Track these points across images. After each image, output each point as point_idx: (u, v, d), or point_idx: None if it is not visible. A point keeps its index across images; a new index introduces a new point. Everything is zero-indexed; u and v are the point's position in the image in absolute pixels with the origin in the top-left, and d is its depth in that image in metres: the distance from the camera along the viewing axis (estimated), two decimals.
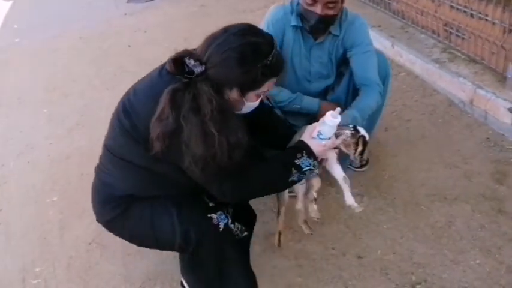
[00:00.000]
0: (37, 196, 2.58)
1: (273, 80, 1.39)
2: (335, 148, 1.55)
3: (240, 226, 1.61)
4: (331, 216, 2.06)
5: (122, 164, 1.50)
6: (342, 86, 2.07)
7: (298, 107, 2.06)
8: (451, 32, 2.67)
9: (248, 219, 1.78)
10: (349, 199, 1.60)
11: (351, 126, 1.55)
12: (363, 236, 1.95)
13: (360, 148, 1.53)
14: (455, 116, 2.48)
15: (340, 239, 1.96)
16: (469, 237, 1.84)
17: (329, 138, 1.46)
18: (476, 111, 2.41)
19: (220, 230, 1.49)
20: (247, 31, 1.33)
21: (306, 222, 1.75)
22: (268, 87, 1.39)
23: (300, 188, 1.63)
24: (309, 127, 1.51)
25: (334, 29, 1.96)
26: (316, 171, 1.55)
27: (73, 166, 2.70)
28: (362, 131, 1.54)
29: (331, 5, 1.82)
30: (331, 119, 1.42)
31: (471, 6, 2.45)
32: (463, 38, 2.58)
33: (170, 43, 3.96)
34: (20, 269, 2.14)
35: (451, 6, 2.59)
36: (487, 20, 2.38)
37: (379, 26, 3.14)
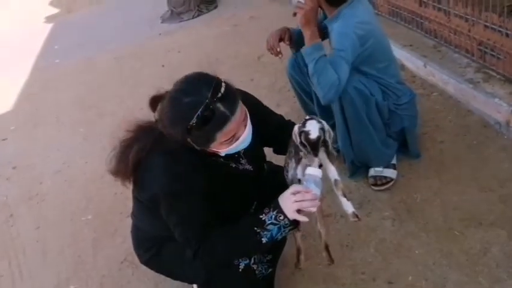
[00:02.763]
0: (73, 214, 2.66)
1: (221, 133, 1.34)
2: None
3: (263, 266, 1.65)
4: (361, 239, 2.03)
5: (141, 206, 1.60)
6: None
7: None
8: (485, 52, 2.62)
9: (274, 253, 1.79)
10: (345, 204, 1.46)
11: (305, 118, 1.42)
12: (393, 261, 1.91)
13: (307, 146, 1.37)
14: (491, 137, 2.41)
15: (370, 263, 1.93)
16: (505, 265, 1.78)
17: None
18: None
19: (240, 270, 1.54)
20: (182, 92, 1.36)
21: (327, 248, 1.62)
22: (225, 137, 1.36)
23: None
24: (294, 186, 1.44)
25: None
26: (287, 228, 1.42)
27: (107, 185, 2.76)
28: (308, 126, 1.37)
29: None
30: (313, 173, 1.38)
31: (506, 25, 2.40)
32: (498, 58, 2.53)
33: (203, 63, 4.02)
34: (55, 286, 2.22)
35: (485, 26, 2.54)
36: None
37: (411, 45, 3.11)
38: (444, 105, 2.71)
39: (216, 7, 5.68)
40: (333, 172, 1.47)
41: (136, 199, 1.62)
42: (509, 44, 2.41)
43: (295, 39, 2.33)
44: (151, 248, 1.66)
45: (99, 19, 6.53)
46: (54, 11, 7.60)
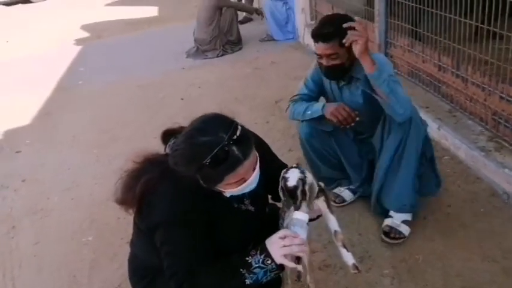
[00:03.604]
0: (74, 233, 2.67)
1: (231, 175, 1.36)
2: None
3: None
4: None
5: (141, 234, 1.59)
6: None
7: (309, 113, 2.33)
8: (499, 122, 2.65)
9: None
10: (345, 256, 1.45)
11: (289, 166, 1.46)
12: None
13: (286, 193, 1.39)
14: (498, 207, 2.40)
15: None
16: None
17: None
18: None
19: None
20: (199, 131, 1.38)
21: None
22: (233, 179, 1.38)
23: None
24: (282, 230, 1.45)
25: (355, 73, 2.19)
26: (273, 272, 1.40)
27: (112, 209, 2.72)
28: (288, 174, 1.41)
29: (333, 57, 2.12)
30: (299, 218, 1.39)
31: None
32: None
33: (221, 101, 4.12)
34: None
35: (501, 97, 2.59)
36: None
37: (427, 107, 3.16)
38: (454, 169, 2.73)
39: (240, 49, 5.86)
40: (332, 222, 1.48)
41: (137, 226, 1.63)
42: None
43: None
44: (145, 277, 1.65)
45: (127, 47, 6.75)
46: (85, 34, 7.89)
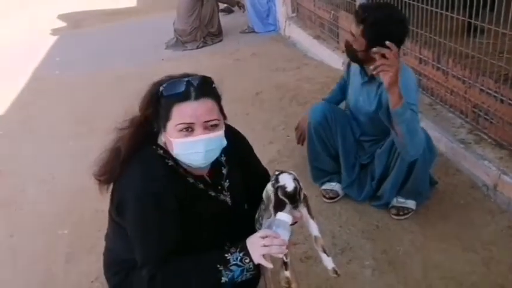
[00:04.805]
0: (49, 226, 2.59)
1: (178, 108, 1.38)
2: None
3: None
4: (339, 286, 1.98)
5: (115, 226, 1.57)
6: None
7: None
8: (479, 115, 2.67)
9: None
10: (325, 260, 1.45)
11: (275, 173, 1.43)
12: None
13: (284, 199, 1.37)
14: (477, 199, 2.43)
15: None
16: None
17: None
18: (499, 197, 2.36)
19: None
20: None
21: None
22: (179, 118, 1.38)
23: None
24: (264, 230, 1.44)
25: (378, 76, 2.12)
26: (250, 272, 1.39)
27: (89, 201, 2.71)
28: (282, 180, 1.39)
29: (353, 38, 2.14)
30: (282, 219, 1.37)
31: (501, 92, 2.46)
32: (491, 122, 2.58)
33: None
34: None
35: (481, 90, 2.60)
36: None
37: None
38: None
39: (221, 40, 5.81)
40: (313, 228, 1.46)
41: (110, 217, 1.59)
42: (503, 110, 2.47)
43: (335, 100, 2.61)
44: (119, 272, 1.60)
45: (105, 38, 6.62)
46: (62, 24, 7.71)
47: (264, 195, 1.45)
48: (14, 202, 2.87)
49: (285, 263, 1.39)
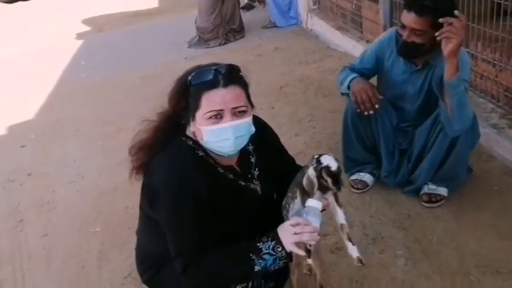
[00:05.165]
0: (81, 225, 2.64)
1: (206, 95, 1.39)
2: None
3: None
4: (372, 276, 1.96)
5: (147, 221, 1.58)
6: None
7: (342, 86, 2.31)
8: None
9: (277, 280, 1.71)
10: (350, 249, 1.43)
11: (315, 157, 1.41)
12: None
13: (328, 180, 1.36)
14: None
15: None
16: None
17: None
18: None
19: None
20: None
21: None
22: (208, 105, 1.39)
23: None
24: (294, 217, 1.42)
25: (432, 59, 2.07)
26: (282, 260, 1.39)
27: (119, 199, 2.75)
28: (325, 161, 1.37)
29: (418, 33, 1.98)
30: (313, 206, 1.36)
31: None
32: None
33: None
34: None
35: None
36: None
37: None
38: None
39: (243, 37, 5.79)
40: (340, 215, 1.45)
41: (142, 212, 1.61)
42: None
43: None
44: (152, 267, 1.62)
45: (128, 40, 6.69)
46: (86, 28, 7.83)
47: (304, 181, 1.41)
48: (46, 203, 2.92)
49: (308, 251, 1.38)
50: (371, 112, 2.19)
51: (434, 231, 2.14)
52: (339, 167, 1.36)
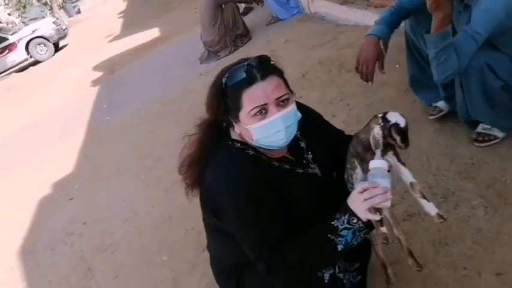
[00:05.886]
0: (147, 258, 2.64)
1: (246, 93, 1.36)
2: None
3: (351, 275, 1.54)
4: (454, 233, 1.86)
5: (215, 233, 1.55)
6: None
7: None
8: None
9: (362, 259, 1.66)
10: (426, 206, 1.35)
11: (379, 116, 1.32)
12: (496, 251, 1.73)
13: (397, 138, 1.28)
14: None
15: (471, 257, 1.75)
16: None
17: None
18: None
19: (326, 281, 1.44)
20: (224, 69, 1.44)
21: (411, 254, 1.49)
22: (251, 102, 1.36)
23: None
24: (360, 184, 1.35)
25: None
26: (362, 231, 1.32)
27: (176, 224, 2.74)
28: (392, 118, 1.29)
29: None
30: (377, 166, 1.28)
31: None
32: None
33: None
34: None
35: None
36: None
37: None
38: None
39: (250, 39, 5.76)
40: (406, 174, 1.37)
41: (207, 225, 1.58)
42: None
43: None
44: (232, 277, 1.57)
45: (141, 73, 6.78)
46: (98, 74, 7.98)
47: (372, 141, 1.33)
48: (108, 246, 2.94)
49: (380, 220, 1.30)
50: (370, 83, 2.24)
51: (506, 172, 2.02)
52: (407, 123, 1.29)
